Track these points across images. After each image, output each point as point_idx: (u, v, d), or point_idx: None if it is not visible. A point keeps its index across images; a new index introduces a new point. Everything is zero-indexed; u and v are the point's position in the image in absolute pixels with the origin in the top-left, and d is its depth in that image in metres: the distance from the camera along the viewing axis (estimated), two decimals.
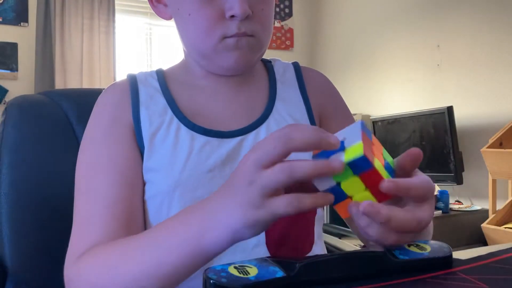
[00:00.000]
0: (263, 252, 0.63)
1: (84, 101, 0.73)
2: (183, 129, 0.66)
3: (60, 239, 0.63)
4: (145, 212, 0.65)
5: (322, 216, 0.75)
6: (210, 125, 0.67)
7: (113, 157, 0.64)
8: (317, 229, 0.71)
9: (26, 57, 3.40)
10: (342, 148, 0.43)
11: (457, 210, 2.60)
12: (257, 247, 0.63)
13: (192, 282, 0.53)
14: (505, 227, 2.24)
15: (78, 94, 0.90)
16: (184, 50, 0.73)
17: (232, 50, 0.64)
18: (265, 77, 0.76)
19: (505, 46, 2.58)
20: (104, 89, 0.72)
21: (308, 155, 0.44)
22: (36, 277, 0.77)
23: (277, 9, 4.22)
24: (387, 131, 3.06)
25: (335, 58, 4.02)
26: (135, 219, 0.63)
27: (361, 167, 0.41)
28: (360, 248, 0.74)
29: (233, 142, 0.66)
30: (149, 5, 0.72)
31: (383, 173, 0.42)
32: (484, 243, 2.35)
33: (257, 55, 0.68)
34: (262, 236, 0.64)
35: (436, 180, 2.70)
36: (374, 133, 3.20)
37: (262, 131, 0.68)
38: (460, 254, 0.49)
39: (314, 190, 0.43)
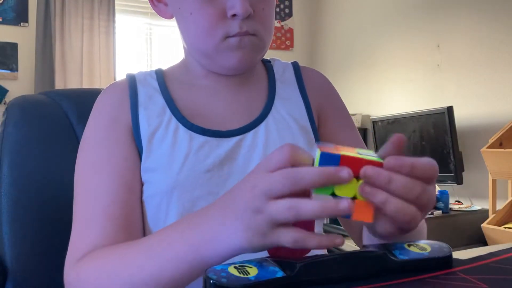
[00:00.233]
0: (262, 252, 0.63)
1: (84, 101, 0.74)
2: (182, 129, 0.66)
3: (60, 240, 0.63)
4: (143, 212, 0.65)
5: None
6: (208, 125, 0.67)
7: (111, 158, 0.64)
8: (317, 229, 0.71)
9: (26, 57, 3.40)
10: None
11: (457, 210, 2.60)
12: None
13: (191, 284, 0.53)
14: (505, 227, 2.24)
15: (78, 94, 0.90)
16: (184, 49, 0.73)
17: (235, 49, 0.64)
18: (265, 76, 0.76)
19: (505, 46, 2.58)
20: (104, 89, 0.72)
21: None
22: (36, 277, 0.77)
23: (277, 9, 4.22)
24: (387, 131, 3.07)
25: (335, 58, 4.02)
26: (133, 220, 0.63)
27: (330, 161, 0.41)
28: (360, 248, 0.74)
29: (231, 141, 0.66)
30: (149, 5, 0.72)
31: (354, 153, 0.42)
32: (484, 243, 2.35)
33: (259, 55, 0.68)
34: None
35: (436, 180, 2.69)
36: (374, 133, 3.21)
37: (261, 130, 0.68)
38: (460, 254, 0.49)
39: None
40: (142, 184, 0.65)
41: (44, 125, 0.83)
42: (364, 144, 0.79)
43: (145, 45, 3.89)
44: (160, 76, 0.72)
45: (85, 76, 3.49)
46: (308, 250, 0.69)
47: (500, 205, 2.36)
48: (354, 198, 0.42)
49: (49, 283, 0.76)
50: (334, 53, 4.06)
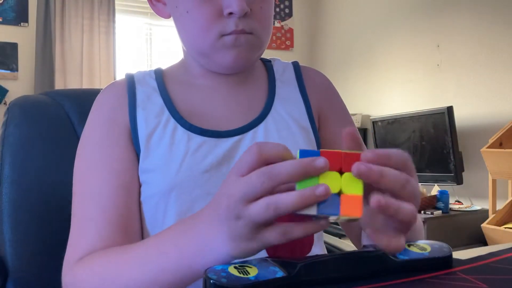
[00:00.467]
0: (261, 253, 0.63)
1: (86, 101, 0.74)
2: (180, 129, 0.65)
3: (61, 239, 0.63)
4: (142, 213, 0.65)
5: None
6: (207, 125, 0.66)
7: (108, 159, 0.64)
8: None
9: (26, 57, 3.40)
10: None
11: (457, 210, 2.60)
12: None
13: (191, 285, 0.53)
14: (505, 227, 2.24)
15: (80, 94, 0.90)
16: (183, 48, 0.73)
17: (230, 48, 0.63)
18: (265, 76, 0.75)
19: (505, 46, 2.58)
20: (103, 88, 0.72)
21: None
22: (36, 277, 0.77)
23: (277, 9, 4.22)
24: (387, 131, 3.06)
25: (335, 58, 4.02)
26: (131, 222, 0.62)
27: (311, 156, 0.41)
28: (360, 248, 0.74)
29: (230, 141, 0.66)
30: (149, 5, 0.72)
31: (336, 150, 0.41)
32: (484, 243, 2.35)
33: (256, 54, 0.68)
34: None
35: (436, 180, 2.70)
36: (374, 133, 3.21)
37: (260, 131, 0.68)
38: (460, 254, 0.49)
39: None
40: (140, 185, 0.65)
41: (46, 125, 0.83)
42: (364, 145, 0.79)
43: (145, 45, 3.89)
44: (159, 75, 0.72)
45: (85, 76, 3.49)
46: (308, 250, 0.69)
47: (500, 205, 2.36)
48: (339, 193, 0.40)
49: (49, 283, 0.76)
50: (334, 53, 4.06)
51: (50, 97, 0.86)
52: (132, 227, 0.63)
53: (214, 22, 0.62)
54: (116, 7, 3.63)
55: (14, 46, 3.38)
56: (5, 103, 3.31)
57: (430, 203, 2.56)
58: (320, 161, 0.39)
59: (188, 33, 0.67)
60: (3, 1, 3.36)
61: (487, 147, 2.31)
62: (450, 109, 2.58)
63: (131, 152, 0.65)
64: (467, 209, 2.61)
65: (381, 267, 0.43)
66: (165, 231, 0.52)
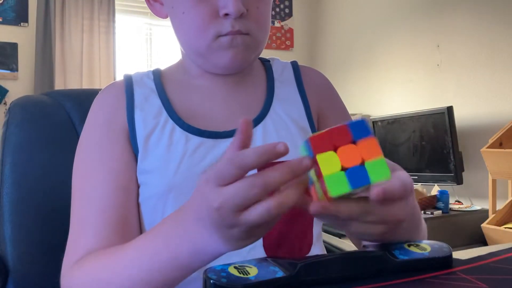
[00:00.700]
0: (259, 254, 0.63)
1: (86, 101, 0.74)
2: (178, 130, 0.65)
3: (62, 239, 0.63)
4: (140, 214, 0.65)
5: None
6: (205, 126, 0.66)
7: (106, 161, 0.63)
8: (316, 230, 0.70)
9: (26, 57, 3.40)
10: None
11: (457, 210, 2.60)
12: (253, 249, 0.62)
13: (191, 285, 0.53)
14: (505, 227, 2.24)
15: (80, 94, 0.90)
16: (181, 49, 0.72)
17: (226, 48, 0.63)
18: (263, 76, 0.75)
19: (505, 46, 2.57)
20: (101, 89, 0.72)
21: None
22: (37, 276, 0.77)
23: (277, 9, 4.22)
24: (387, 131, 3.06)
25: (335, 58, 4.02)
26: (129, 222, 0.62)
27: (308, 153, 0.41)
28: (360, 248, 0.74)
29: (228, 142, 0.65)
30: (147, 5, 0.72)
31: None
32: (484, 243, 2.35)
33: (253, 54, 0.68)
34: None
35: (436, 180, 2.70)
36: (374, 133, 3.20)
37: (258, 131, 0.67)
38: (460, 254, 0.49)
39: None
40: (138, 186, 0.65)
41: (47, 126, 0.83)
42: None
43: (145, 45, 3.89)
44: (157, 76, 0.72)
45: (85, 76, 3.49)
46: (307, 251, 0.69)
47: (500, 205, 2.36)
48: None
49: (50, 283, 0.75)
50: (334, 53, 4.05)
51: (51, 97, 0.87)
52: (131, 228, 0.62)
53: (210, 23, 0.62)
54: (116, 7, 3.63)
55: (14, 46, 3.38)
56: (5, 103, 3.31)
57: (430, 203, 2.56)
58: (280, 146, 0.39)
59: (184, 34, 0.67)
60: (3, 1, 3.36)
61: (487, 147, 2.31)
62: (450, 109, 2.58)
63: (129, 153, 0.65)
64: (467, 209, 2.61)
65: (381, 267, 0.43)
66: (155, 230, 0.51)
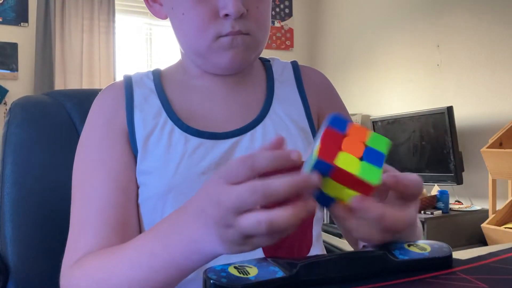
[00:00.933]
0: (259, 254, 0.63)
1: (87, 101, 0.74)
2: (177, 131, 0.65)
3: (62, 239, 0.63)
4: (139, 215, 0.65)
5: (322, 216, 0.74)
6: (204, 127, 0.66)
7: (106, 162, 0.63)
8: (316, 230, 0.70)
9: (26, 57, 3.40)
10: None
11: (457, 210, 2.60)
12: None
13: (191, 285, 0.53)
14: (505, 227, 2.24)
15: (81, 94, 0.90)
16: (180, 49, 0.72)
17: (227, 49, 0.63)
18: (263, 76, 0.75)
19: (505, 46, 2.58)
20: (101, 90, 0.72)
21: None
22: (37, 276, 0.77)
23: (277, 9, 4.22)
24: (387, 131, 3.07)
25: (335, 58, 4.02)
26: (128, 223, 0.62)
27: (323, 169, 0.40)
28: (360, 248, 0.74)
29: (227, 143, 0.65)
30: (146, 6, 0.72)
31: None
32: (484, 243, 2.35)
33: (253, 54, 0.67)
34: None
35: (436, 180, 2.70)
36: None
37: (258, 132, 0.67)
38: (460, 254, 0.49)
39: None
40: (138, 187, 0.65)
41: (47, 126, 0.83)
42: None
43: (145, 45, 3.89)
44: (157, 76, 0.72)
45: (85, 76, 3.49)
46: (307, 252, 0.69)
47: (500, 205, 2.36)
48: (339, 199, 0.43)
49: (50, 283, 0.76)
50: (334, 53, 4.06)
51: (51, 97, 0.87)
52: (130, 229, 0.62)
53: (210, 24, 0.62)
54: (116, 7, 3.63)
55: (14, 46, 3.38)
56: (5, 103, 3.32)
57: (430, 203, 2.57)
58: (315, 178, 0.39)
59: (184, 35, 0.67)
60: (3, 1, 3.36)
61: (487, 147, 2.31)
62: (450, 109, 2.58)
63: (129, 154, 0.65)
64: (467, 209, 2.61)
65: (381, 267, 0.43)
66: (154, 230, 0.51)
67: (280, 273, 0.40)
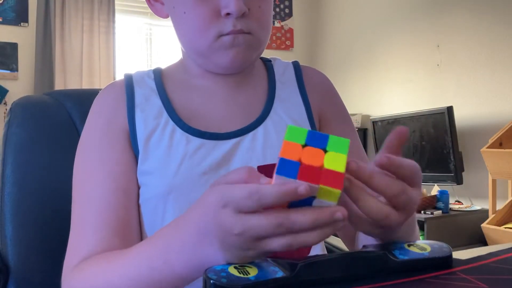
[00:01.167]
0: None
1: (87, 101, 0.74)
2: (178, 131, 0.65)
3: (62, 239, 0.63)
4: (140, 216, 0.65)
5: None
6: (206, 127, 0.66)
7: (106, 162, 0.63)
8: None
9: (26, 57, 3.40)
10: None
11: (457, 210, 2.60)
12: None
13: (191, 285, 0.53)
14: (505, 227, 2.24)
15: (81, 94, 0.90)
16: (181, 48, 0.72)
17: (228, 48, 0.63)
18: (265, 76, 0.75)
19: (505, 46, 2.58)
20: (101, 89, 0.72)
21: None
22: (38, 276, 0.77)
23: (277, 9, 4.22)
24: (387, 131, 3.06)
25: (335, 58, 4.02)
26: (129, 224, 0.62)
27: (289, 170, 0.39)
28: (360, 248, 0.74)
29: (229, 144, 0.65)
30: (147, 5, 0.71)
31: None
32: (484, 243, 2.35)
33: (254, 53, 0.67)
34: None
35: (436, 180, 2.70)
36: (374, 133, 3.21)
37: (259, 133, 0.67)
38: (460, 254, 0.49)
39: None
40: (138, 187, 0.65)
41: (48, 126, 0.83)
42: (363, 148, 0.78)
43: (145, 45, 3.89)
44: (158, 75, 0.72)
45: (85, 76, 3.49)
46: (308, 250, 0.69)
47: (500, 205, 2.36)
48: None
49: (51, 283, 0.76)
50: (334, 53, 4.06)
51: (52, 97, 0.87)
52: (131, 230, 0.62)
53: (211, 23, 0.62)
54: (116, 7, 3.63)
55: (14, 46, 3.38)
56: (5, 103, 3.32)
57: (430, 203, 2.57)
58: (339, 214, 0.39)
59: (186, 34, 0.66)
60: (3, 1, 3.36)
61: (487, 147, 2.31)
62: (450, 109, 2.58)
63: (129, 154, 0.65)
64: (467, 209, 2.61)
65: (381, 267, 0.43)
66: (155, 239, 0.50)
67: (280, 273, 0.40)
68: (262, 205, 0.39)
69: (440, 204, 2.55)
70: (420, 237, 0.61)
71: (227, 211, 0.41)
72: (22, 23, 3.43)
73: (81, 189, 0.63)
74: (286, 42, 4.27)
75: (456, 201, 2.78)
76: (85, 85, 3.46)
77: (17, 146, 0.79)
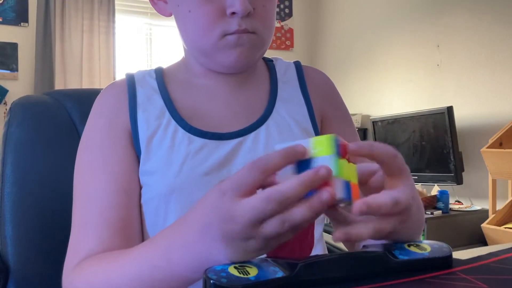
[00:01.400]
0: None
1: (87, 101, 0.74)
2: (180, 131, 0.65)
3: (62, 239, 0.63)
4: (142, 215, 0.65)
5: (324, 217, 0.74)
6: (208, 127, 0.66)
7: (107, 162, 0.63)
8: (318, 230, 0.70)
9: (26, 57, 3.40)
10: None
11: (457, 210, 2.60)
12: None
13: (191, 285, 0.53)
14: (505, 227, 2.24)
15: (81, 94, 0.90)
16: (184, 47, 0.72)
17: (233, 47, 0.63)
18: (267, 76, 0.75)
19: (505, 46, 2.57)
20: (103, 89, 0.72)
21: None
22: (37, 276, 0.77)
23: (277, 9, 4.22)
24: (387, 131, 3.07)
25: (335, 58, 4.02)
26: (130, 224, 0.62)
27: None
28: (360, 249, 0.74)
29: (231, 144, 0.65)
30: (149, 5, 0.71)
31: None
32: (484, 243, 2.35)
33: (258, 53, 0.67)
34: None
35: (436, 180, 2.70)
36: (374, 133, 3.21)
37: (261, 133, 0.67)
38: (460, 254, 0.49)
39: None
40: (140, 188, 0.65)
41: (48, 125, 0.83)
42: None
43: (145, 45, 3.89)
44: (160, 75, 0.71)
45: (85, 76, 3.49)
46: (309, 251, 0.69)
47: (500, 205, 2.36)
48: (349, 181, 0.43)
49: (51, 283, 0.76)
50: (334, 53, 4.06)
51: (52, 97, 0.87)
52: (132, 230, 0.62)
53: (216, 22, 0.62)
54: (116, 7, 3.63)
55: (14, 46, 3.38)
56: (5, 103, 3.32)
57: (430, 203, 2.57)
58: (323, 171, 0.39)
59: (190, 33, 0.66)
60: (3, 1, 3.36)
61: (487, 147, 2.31)
62: (450, 109, 2.58)
63: (131, 154, 0.65)
64: (467, 209, 2.61)
65: (381, 267, 0.43)
66: (157, 239, 0.50)
67: (280, 273, 0.40)
68: (267, 169, 0.40)
69: (440, 204, 2.55)
70: (421, 237, 0.61)
71: (226, 197, 0.41)
72: (22, 23, 3.42)
73: (82, 189, 0.63)
74: (286, 42, 4.27)
75: (456, 201, 2.77)
76: (85, 85, 3.46)
77: (17, 146, 0.79)
